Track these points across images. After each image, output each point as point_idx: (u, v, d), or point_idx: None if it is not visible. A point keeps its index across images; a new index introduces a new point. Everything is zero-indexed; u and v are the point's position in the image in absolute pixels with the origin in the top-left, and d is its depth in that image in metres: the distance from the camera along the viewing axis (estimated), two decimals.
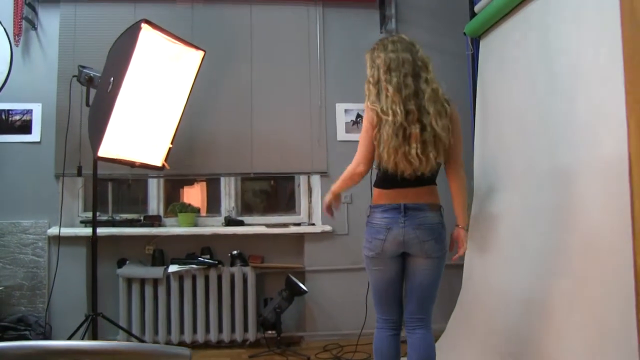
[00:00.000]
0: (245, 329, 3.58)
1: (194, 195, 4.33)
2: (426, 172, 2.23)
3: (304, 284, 3.59)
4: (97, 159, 2.92)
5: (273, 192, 4.41)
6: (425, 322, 2.32)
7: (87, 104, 3.03)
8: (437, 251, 2.25)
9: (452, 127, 2.26)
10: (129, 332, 3.38)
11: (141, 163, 3.21)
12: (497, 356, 2.68)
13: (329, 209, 2.48)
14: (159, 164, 3.37)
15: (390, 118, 2.17)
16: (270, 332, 3.51)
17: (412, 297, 2.33)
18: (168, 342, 3.50)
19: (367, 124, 2.26)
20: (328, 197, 2.45)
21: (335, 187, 2.43)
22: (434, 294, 2.33)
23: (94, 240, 3.09)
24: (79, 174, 3.22)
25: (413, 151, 2.18)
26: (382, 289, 2.36)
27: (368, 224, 2.33)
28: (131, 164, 3.15)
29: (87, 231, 3.34)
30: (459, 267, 3.34)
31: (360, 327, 3.30)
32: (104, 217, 3.75)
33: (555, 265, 2.38)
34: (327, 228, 3.77)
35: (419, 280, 2.29)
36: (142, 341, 3.43)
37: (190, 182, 4.31)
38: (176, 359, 1.28)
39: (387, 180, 2.28)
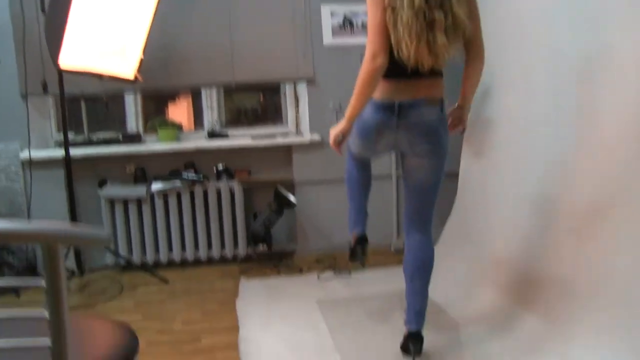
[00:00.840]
0: (235, 245, 3.50)
1: (179, 111, 4.12)
2: (444, 65, 1.98)
3: (294, 197, 3.47)
4: (59, 70, 2.69)
5: (259, 105, 4.19)
6: (425, 227, 2.17)
7: (43, 10, 2.74)
8: (434, 152, 2.05)
9: (471, 9, 1.96)
10: (115, 253, 3.30)
11: (110, 75, 2.97)
12: (494, 258, 2.62)
13: (338, 144, 2.04)
14: (131, 77, 3.12)
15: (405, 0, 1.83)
16: (261, 245, 3.43)
17: (411, 199, 2.18)
18: (157, 261, 3.43)
19: (374, 6, 1.88)
20: (340, 127, 2.01)
21: (350, 110, 1.97)
22: (433, 197, 2.15)
23: (67, 160, 2.93)
24: (45, 90, 3.00)
25: (439, 40, 1.87)
26: (361, 158, 2.34)
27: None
28: (99, 76, 2.91)
29: (62, 152, 3.15)
30: (455, 175, 3.20)
31: None
32: (80, 138, 3.55)
33: (559, 165, 2.25)
34: (316, 137, 3.58)
35: (416, 178, 2.13)
36: (130, 262, 3.35)
37: (174, 98, 4.08)
38: (95, 242, 1.21)
39: (391, 69, 1.93)
